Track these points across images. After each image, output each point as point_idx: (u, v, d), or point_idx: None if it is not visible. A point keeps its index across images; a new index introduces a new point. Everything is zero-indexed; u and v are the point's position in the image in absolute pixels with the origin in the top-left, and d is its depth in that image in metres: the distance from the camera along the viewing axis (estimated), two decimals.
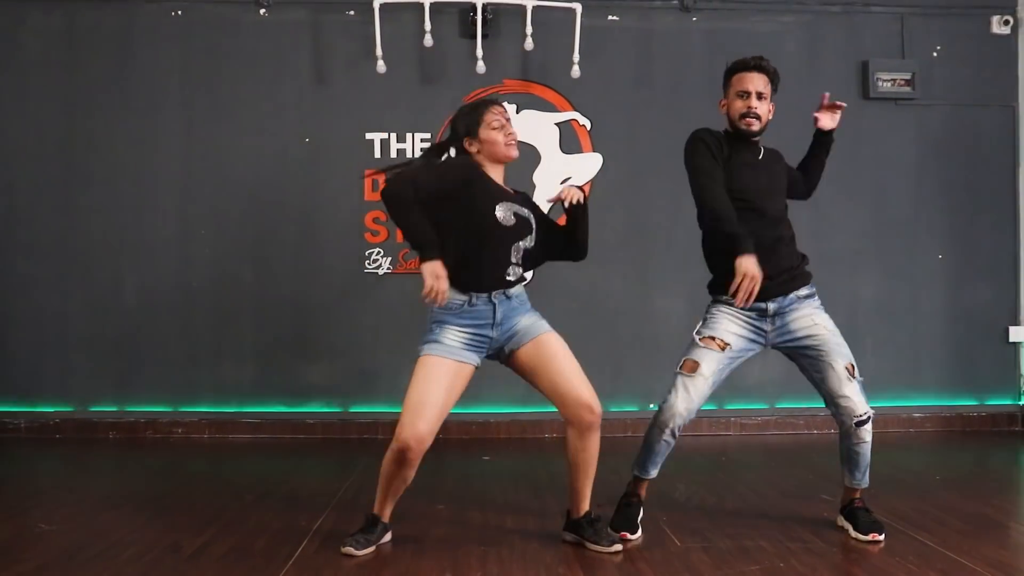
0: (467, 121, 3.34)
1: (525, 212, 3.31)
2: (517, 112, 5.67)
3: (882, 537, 3.35)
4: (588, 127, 5.70)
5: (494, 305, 3.22)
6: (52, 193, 5.62)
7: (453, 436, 5.47)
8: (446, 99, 5.64)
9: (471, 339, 3.22)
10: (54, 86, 5.63)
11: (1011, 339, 5.89)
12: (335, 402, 5.64)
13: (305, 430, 5.59)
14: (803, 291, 3.48)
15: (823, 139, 3.76)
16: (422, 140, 5.65)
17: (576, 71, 5.54)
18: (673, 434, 3.42)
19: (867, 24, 5.88)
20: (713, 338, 3.38)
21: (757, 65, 3.46)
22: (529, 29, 5.51)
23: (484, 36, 5.55)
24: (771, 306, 3.41)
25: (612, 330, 5.67)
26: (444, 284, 3.07)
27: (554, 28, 5.61)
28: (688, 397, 3.35)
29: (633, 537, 3.41)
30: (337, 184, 5.65)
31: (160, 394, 5.61)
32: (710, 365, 3.35)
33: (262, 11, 5.67)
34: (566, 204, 3.36)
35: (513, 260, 3.25)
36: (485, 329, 3.23)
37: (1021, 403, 5.89)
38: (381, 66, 5.49)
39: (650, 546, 3.31)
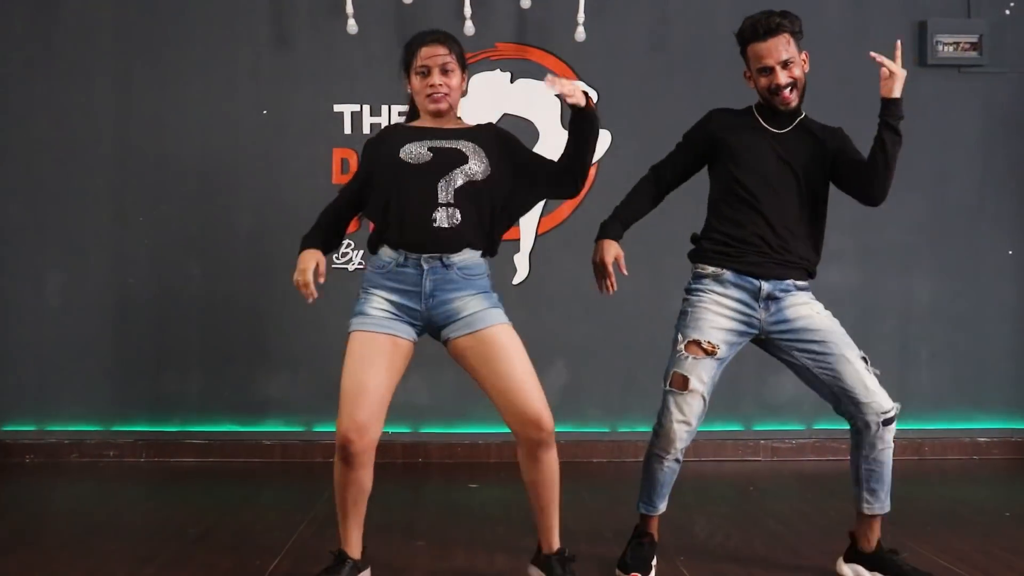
0: (402, 57, 3.37)
1: (455, 144, 3.21)
2: (511, 81, 5.66)
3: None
4: (595, 98, 5.68)
5: (423, 271, 3.17)
6: None
7: (435, 460, 5.46)
8: None
9: (399, 309, 3.20)
10: None
11: None
12: (296, 420, 5.64)
13: (261, 452, 5.58)
14: (801, 282, 3.47)
15: (881, 117, 3.47)
16: (400, 113, 5.64)
17: (580, 33, 5.53)
18: (676, 460, 3.44)
19: None
20: (698, 342, 3.37)
21: (769, 29, 3.42)
22: None
23: None
24: (765, 286, 3.40)
25: (623, 337, 5.66)
26: (307, 276, 3.16)
27: None
28: (683, 417, 3.36)
29: None
30: (300, 164, 5.64)
31: (88, 411, 5.60)
32: (701, 376, 3.35)
33: None
34: (568, 102, 3.22)
35: (442, 200, 3.15)
36: (412, 299, 3.18)
37: None
38: (352, 26, 5.48)
39: None
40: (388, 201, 3.21)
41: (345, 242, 5.60)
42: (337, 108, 5.67)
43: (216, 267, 5.64)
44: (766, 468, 5.55)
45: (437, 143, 3.22)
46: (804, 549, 3.78)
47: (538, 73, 5.69)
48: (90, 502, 4.68)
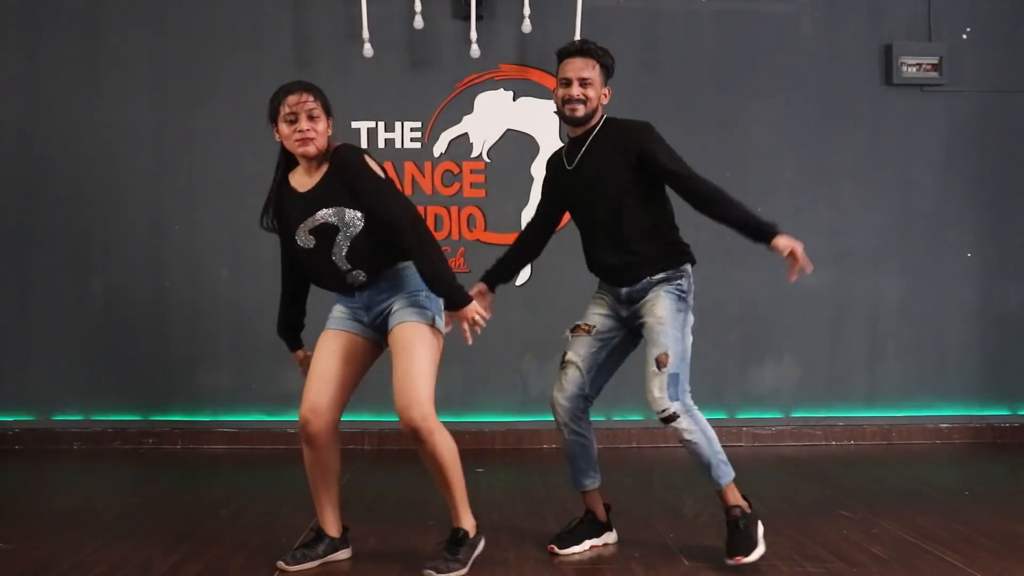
0: (270, 106, 3.32)
1: (320, 217, 3.19)
2: (514, 99, 5.67)
3: (748, 559, 3.26)
4: None
5: (354, 295, 3.28)
6: (11, 185, 5.61)
7: None
8: (438, 85, 5.66)
9: (354, 316, 3.32)
10: (14, 69, 5.62)
11: None
12: None
13: (286, 440, 5.57)
14: (658, 275, 3.42)
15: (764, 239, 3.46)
16: (412, 129, 5.64)
17: None
18: (572, 430, 3.51)
19: (891, 5, 5.87)
20: (579, 325, 3.54)
21: (578, 50, 3.50)
22: (527, 10, 5.51)
23: (479, 17, 5.54)
24: (624, 291, 3.46)
25: None
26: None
27: (554, 9, 5.61)
28: (562, 386, 3.50)
29: (562, 552, 3.44)
30: None
31: (129, 402, 5.60)
32: (578, 350, 3.50)
33: None
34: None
35: (343, 268, 3.20)
36: (359, 311, 3.30)
37: None
38: (368, 49, 5.49)
39: (656, 565, 3.30)
40: (305, 273, 3.38)
41: None
42: (355, 124, 5.67)
43: (244, 271, 5.64)
44: (748, 453, 5.55)
45: (311, 223, 3.21)
46: (782, 526, 3.77)
47: (538, 92, 5.71)
48: (132, 485, 4.70)
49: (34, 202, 5.61)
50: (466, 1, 5.54)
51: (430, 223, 5.58)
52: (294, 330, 3.50)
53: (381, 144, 5.64)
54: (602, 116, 3.53)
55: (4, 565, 3.29)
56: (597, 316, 3.53)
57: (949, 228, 5.88)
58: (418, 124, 5.67)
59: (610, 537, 3.60)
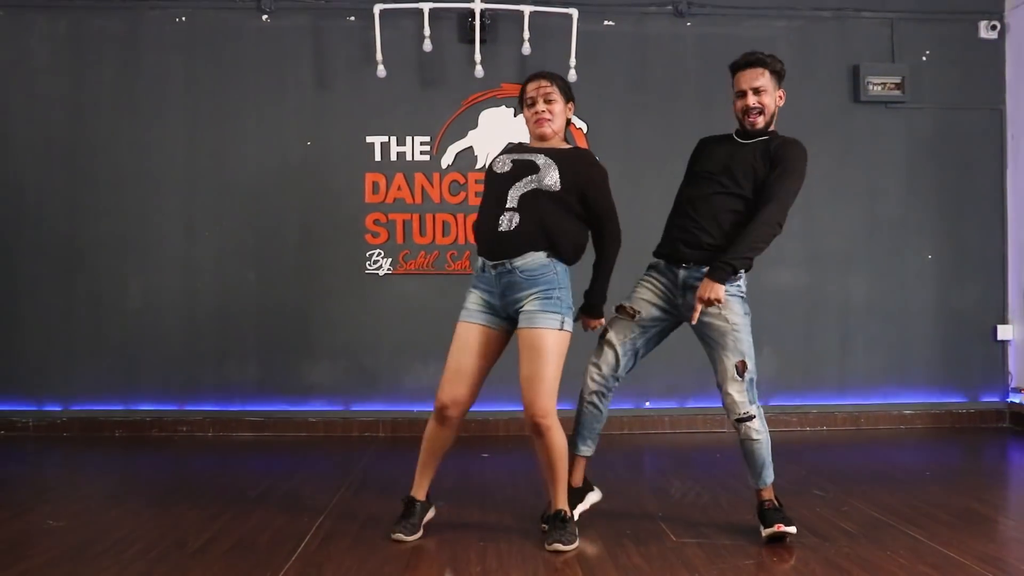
0: (519, 98, 3.41)
1: (532, 157, 3.24)
2: (515, 116, 5.68)
3: (788, 528, 3.28)
4: (584, 129, 5.71)
5: (492, 276, 3.25)
6: (59, 196, 5.62)
7: None
8: (445, 103, 5.67)
9: (488, 304, 3.30)
10: (61, 91, 5.64)
11: (999, 337, 5.90)
12: (336, 401, 5.64)
13: (307, 428, 5.60)
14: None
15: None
16: (422, 143, 5.66)
17: (572, 75, 5.54)
18: (592, 404, 3.50)
19: (858, 29, 5.89)
20: (624, 307, 3.48)
21: (748, 62, 3.46)
22: (527, 34, 5.53)
23: (482, 41, 5.56)
24: (682, 274, 3.41)
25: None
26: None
27: (551, 33, 5.62)
28: (599, 365, 3.48)
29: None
30: (339, 186, 5.66)
31: (165, 393, 5.61)
32: (619, 334, 3.46)
33: (264, 17, 5.68)
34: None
35: (508, 206, 3.20)
36: (493, 297, 3.29)
37: (1009, 400, 5.90)
38: (381, 71, 5.50)
39: (646, 541, 3.32)
40: (480, 216, 3.34)
41: (376, 251, 5.63)
42: (369, 139, 5.68)
43: (269, 273, 5.66)
44: (730, 438, 5.52)
45: (519, 156, 3.28)
46: None
47: None
48: (168, 469, 4.70)
49: (79, 212, 5.62)
50: (471, 26, 5.55)
51: (439, 230, 5.61)
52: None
53: (393, 157, 5.65)
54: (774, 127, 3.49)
55: (54, 541, 3.31)
56: (644, 303, 3.46)
57: (911, 232, 5.90)
58: (427, 138, 5.68)
59: (593, 496, 3.58)
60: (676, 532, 3.43)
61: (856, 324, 5.85)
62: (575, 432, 3.55)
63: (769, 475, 3.42)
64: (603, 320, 3.45)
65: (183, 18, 5.66)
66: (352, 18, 5.67)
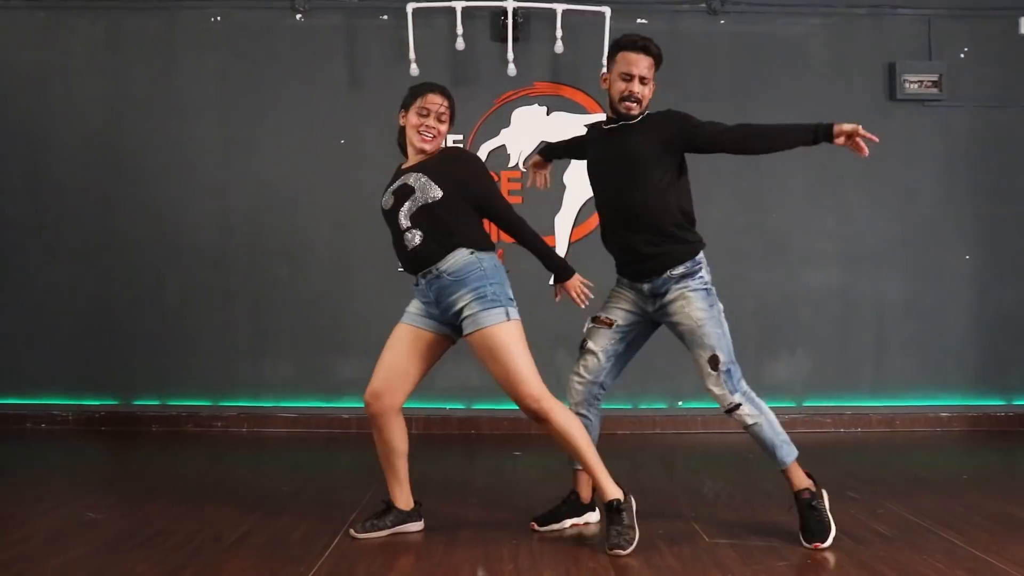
0: (408, 95, 3.37)
1: (406, 180, 3.24)
2: (548, 114, 5.68)
3: (825, 544, 3.22)
4: None
5: (423, 284, 3.29)
6: (97, 193, 5.70)
7: (485, 432, 5.49)
8: (478, 101, 5.68)
9: (427, 311, 3.34)
10: (99, 91, 5.72)
11: None
12: None
13: (340, 424, 5.63)
14: (678, 269, 3.33)
15: (822, 139, 3.25)
16: (454, 142, 5.66)
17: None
18: (581, 413, 3.45)
19: (894, 26, 5.83)
20: (599, 317, 3.48)
21: (643, 47, 3.36)
22: (559, 32, 5.52)
23: (515, 39, 5.56)
24: (646, 287, 3.39)
25: None
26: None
27: (584, 31, 5.61)
28: (580, 374, 3.46)
29: (542, 528, 3.45)
30: (372, 184, 5.62)
31: (201, 389, 5.68)
32: (599, 342, 3.45)
33: (298, 16, 5.72)
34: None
35: (404, 227, 3.23)
36: (430, 305, 3.31)
37: None
38: (414, 69, 5.52)
39: (679, 541, 3.31)
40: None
41: None
42: None
43: (303, 270, 5.70)
44: None
45: (396, 183, 3.29)
46: (794, 506, 3.77)
47: (570, 107, 5.72)
48: (203, 464, 4.75)
49: (117, 208, 5.70)
50: (503, 24, 5.56)
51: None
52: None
53: None
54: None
55: (93, 533, 3.36)
56: (618, 311, 3.46)
57: (949, 232, 5.83)
58: (460, 137, 5.69)
59: (592, 517, 3.56)
60: (709, 533, 3.42)
61: (892, 325, 5.80)
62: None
63: (787, 453, 3.34)
64: (578, 277, 3.40)
65: (218, 18, 5.72)
66: (385, 17, 5.70)
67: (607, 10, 5.52)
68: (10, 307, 5.70)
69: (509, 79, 5.61)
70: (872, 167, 5.72)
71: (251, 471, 4.55)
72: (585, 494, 3.56)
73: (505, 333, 3.16)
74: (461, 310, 3.20)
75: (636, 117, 3.38)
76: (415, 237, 3.22)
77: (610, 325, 3.45)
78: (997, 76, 5.84)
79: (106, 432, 5.54)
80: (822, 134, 3.20)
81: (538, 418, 3.19)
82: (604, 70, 3.48)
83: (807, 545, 3.23)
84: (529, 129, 5.68)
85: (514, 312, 3.22)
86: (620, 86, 3.35)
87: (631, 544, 3.14)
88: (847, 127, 3.16)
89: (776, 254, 5.74)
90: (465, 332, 3.22)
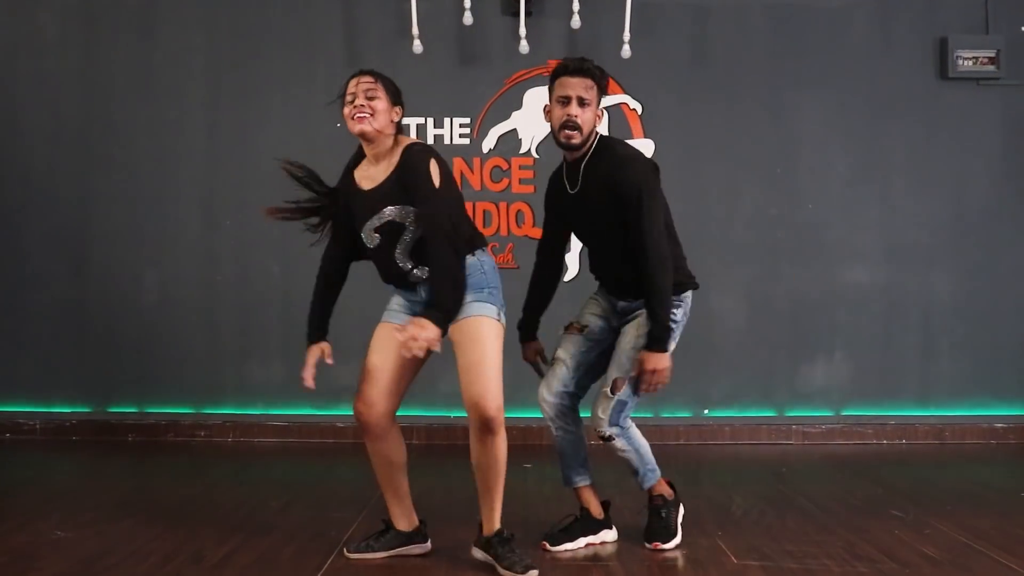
0: (340, 94, 3.34)
1: (387, 215, 3.19)
2: None
3: (666, 546, 3.43)
4: (639, 111, 5.68)
5: (417, 288, 3.30)
6: (69, 181, 5.72)
7: None
8: (487, 81, 5.67)
9: (412, 308, 3.32)
10: (72, 68, 5.73)
11: None
12: None
13: (335, 434, 5.64)
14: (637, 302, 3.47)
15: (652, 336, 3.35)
16: (461, 125, 5.66)
17: (627, 51, 5.52)
18: (559, 425, 3.54)
19: None
20: (572, 323, 3.58)
21: (580, 68, 3.35)
22: (576, 6, 5.51)
23: (528, 13, 5.55)
24: (620, 304, 3.52)
25: None
26: (307, 373, 3.43)
27: (603, 4, 5.60)
28: (548, 383, 3.54)
29: (553, 549, 3.45)
30: None
31: (182, 395, 5.69)
32: (567, 348, 3.53)
33: None
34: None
35: (404, 267, 3.24)
36: (418, 306, 3.30)
37: None
38: (417, 46, 5.51)
39: (705, 563, 3.29)
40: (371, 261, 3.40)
41: None
42: (404, 121, 5.68)
43: (295, 265, 5.69)
44: (797, 451, 5.52)
45: (376, 221, 3.23)
46: (833, 525, 3.75)
47: None
48: (184, 477, 4.75)
49: (91, 198, 5.71)
50: None
51: (479, 219, 5.61)
52: (323, 320, 3.53)
53: (430, 139, 5.67)
54: (595, 137, 3.42)
55: (62, 553, 3.35)
56: (591, 316, 3.57)
57: (1005, 223, 5.80)
58: (467, 120, 5.69)
59: (609, 535, 3.57)
60: (737, 553, 3.40)
61: (940, 326, 5.76)
62: (563, 465, 3.60)
63: (650, 478, 3.56)
64: (436, 338, 3.10)
65: None
66: None
67: None
68: None
69: (521, 57, 5.60)
70: (920, 152, 5.72)
71: (237, 485, 4.55)
72: (596, 510, 3.58)
73: (490, 328, 3.18)
74: None
75: (579, 147, 3.37)
76: (422, 274, 3.24)
77: (581, 331, 3.54)
78: None
79: (77, 442, 5.56)
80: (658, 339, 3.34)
81: (487, 427, 3.15)
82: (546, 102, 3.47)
83: (648, 545, 3.44)
84: (543, 112, 5.65)
85: (503, 318, 3.24)
86: (556, 113, 3.37)
87: (527, 571, 3.13)
88: (647, 368, 3.37)
89: (812, 248, 5.71)
90: (458, 318, 3.19)
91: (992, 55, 5.72)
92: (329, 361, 3.41)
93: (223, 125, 5.73)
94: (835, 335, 5.74)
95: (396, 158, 3.25)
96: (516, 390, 4.98)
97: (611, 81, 5.63)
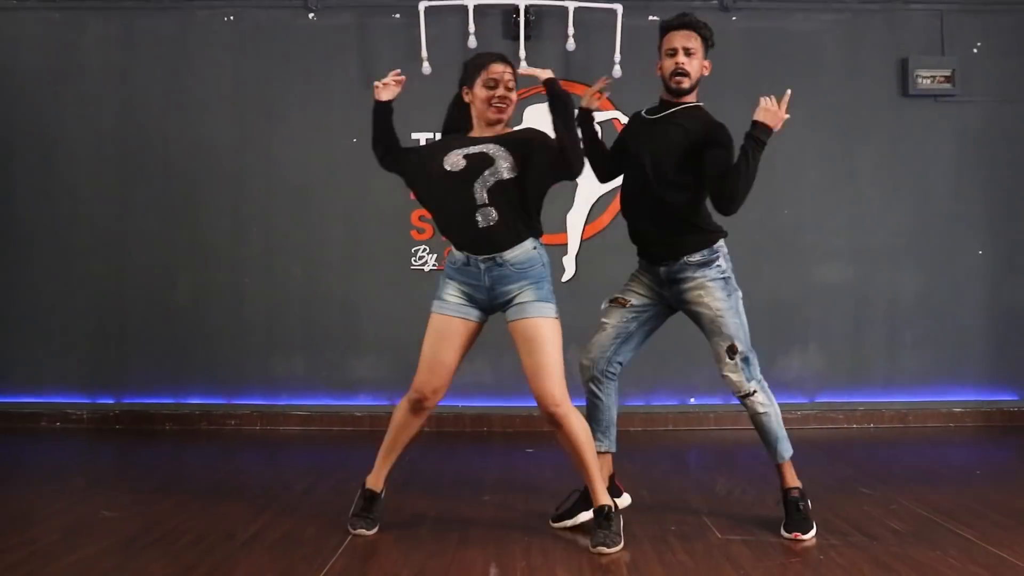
0: (469, 69, 3.34)
1: (483, 148, 3.18)
2: None
3: (805, 536, 3.29)
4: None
5: (481, 270, 3.21)
6: (110, 194, 5.72)
7: (497, 429, 5.48)
8: None
9: (469, 297, 3.27)
10: (113, 90, 5.73)
11: None
12: (382, 395, 5.67)
13: (353, 422, 5.63)
14: (695, 257, 3.36)
15: (750, 133, 3.38)
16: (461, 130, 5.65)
17: (617, 70, 5.53)
18: (590, 390, 3.47)
19: (906, 21, 5.79)
20: (616, 298, 3.50)
21: (682, 23, 3.41)
22: (571, 30, 5.51)
23: (527, 37, 5.55)
24: (662, 270, 3.40)
25: None
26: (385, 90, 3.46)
27: (596, 29, 5.60)
28: (588, 348, 3.48)
29: (556, 525, 3.44)
30: (384, 183, 5.62)
31: (213, 387, 5.69)
32: (611, 319, 3.47)
33: (311, 15, 5.72)
34: (540, 79, 3.26)
35: (480, 202, 3.15)
36: (478, 291, 3.25)
37: None
38: (426, 67, 5.51)
39: (691, 538, 3.30)
40: (441, 214, 3.33)
41: (422, 247, 5.65)
42: (414, 136, 5.68)
43: (315, 268, 5.71)
44: None
45: (468, 150, 3.20)
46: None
47: None
48: (216, 462, 4.75)
49: (131, 207, 5.71)
50: (515, 22, 5.55)
51: None
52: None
53: None
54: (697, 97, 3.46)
55: (109, 531, 3.37)
56: (634, 293, 3.49)
57: (962, 227, 5.79)
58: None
59: (622, 501, 3.54)
60: (722, 529, 3.40)
61: (905, 320, 5.76)
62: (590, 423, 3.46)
63: (786, 449, 3.42)
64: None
65: (231, 17, 5.73)
66: (397, 15, 5.69)
67: (619, 7, 5.50)
68: (25, 306, 5.72)
69: (521, 77, 5.56)
70: (885, 162, 5.73)
71: (264, 469, 4.56)
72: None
73: (550, 328, 3.18)
74: (514, 298, 3.20)
75: (688, 91, 3.40)
76: (491, 215, 3.15)
77: (624, 305, 3.47)
78: (1010, 71, 5.80)
79: (120, 430, 5.56)
80: (758, 132, 3.34)
81: (554, 420, 3.19)
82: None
83: (787, 535, 3.29)
84: (541, 127, 5.63)
85: (558, 313, 3.24)
86: (667, 64, 3.40)
87: (616, 546, 3.13)
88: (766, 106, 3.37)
89: (789, 249, 5.71)
90: (512, 318, 3.20)
91: (948, 74, 5.71)
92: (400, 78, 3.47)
93: (249, 141, 5.72)
94: (809, 329, 5.74)
95: (512, 130, 3.34)
96: (519, 379, 5.02)
97: (604, 98, 5.65)
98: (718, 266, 3.37)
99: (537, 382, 3.17)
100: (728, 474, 4.35)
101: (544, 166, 3.20)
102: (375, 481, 3.43)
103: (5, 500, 3.87)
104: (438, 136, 5.54)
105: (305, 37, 5.73)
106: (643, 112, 3.54)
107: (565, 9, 5.51)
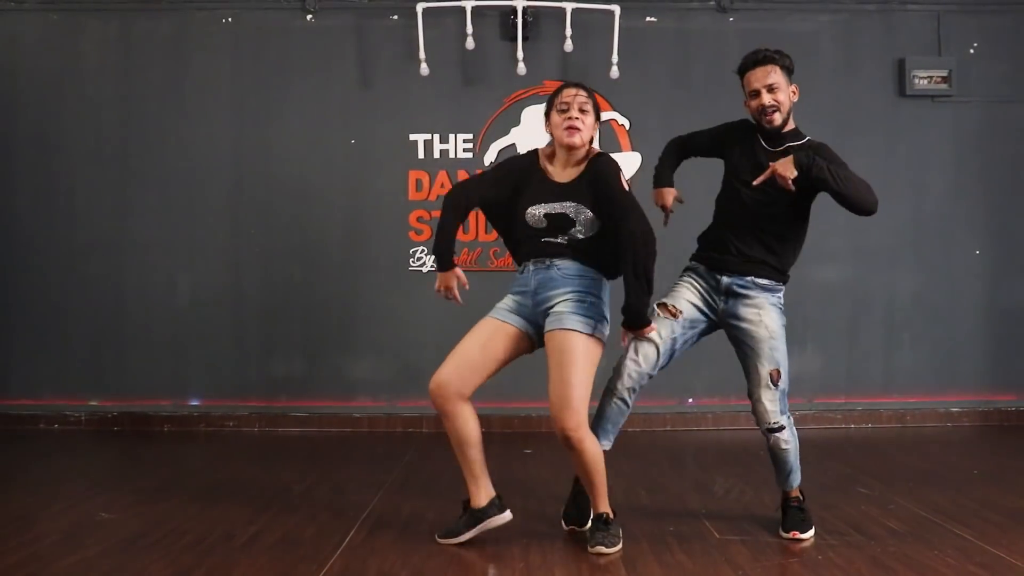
0: (547, 103, 3.30)
1: (565, 209, 3.15)
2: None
3: (804, 535, 3.31)
4: (627, 127, 5.69)
5: (530, 272, 3.22)
6: (109, 195, 5.72)
7: (496, 430, 5.48)
8: (488, 100, 5.68)
9: (517, 303, 3.26)
10: (111, 93, 5.73)
11: None
12: (381, 397, 5.68)
13: (352, 424, 5.64)
14: (763, 280, 3.35)
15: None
16: (464, 141, 5.67)
17: (615, 72, 5.54)
18: (623, 400, 3.35)
19: (903, 22, 5.81)
20: (666, 305, 3.38)
21: (756, 60, 3.37)
22: (569, 31, 5.52)
23: (525, 38, 5.56)
24: (724, 280, 3.36)
25: None
26: (453, 293, 3.31)
27: (593, 30, 5.61)
28: (637, 360, 3.32)
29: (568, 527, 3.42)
30: (382, 184, 5.69)
31: (213, 389, 5.69)
32: (662, 332, 3.32)
33: (309, 17, 5.73)
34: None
35: (556, 246, 3.17)
36: (525, 297, 3.24)
37: None
38: (424, 69, 5.52)
39: (689, 538, 3.30)
40: (512, 239, 3.36)
41: (420, 248, 5.65)
42: (412, 137, 5.71)
43: (314, 270, 5.71)
44: None
45: (551, 208, 3.17)
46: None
47: None
48: (215, 463, 4.75)
49: (129, 210, 5.71)
50: (513, 24, 5.56)
51: (481, 227, 5.62)
52: (452, 246, 3.35)
53: (436, 154, 5.67)
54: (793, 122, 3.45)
55: (107, 532, 3.37)
56: (686, 303, 3.38)
57: (959, 227, 5.81)
58: (470, 136, 5.69)
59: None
60: (720, 530, 3.41)
61: (902, 320, 5.78)
62: (601, 427, 3.38)
63: (796, 478, 3.42)
64: (645, 332, 3.25)
65: (229, 19, 5.73)
66: (395, 17, 5.70)
67: (616, 8, 5.51)
68: (23, 309, 5.72)
69: (519, 78, 5.60)
70: (882, 163, 5.74)
71: (263, 471, 4.55)
72: None
73: (584, 345, 3.09)
74: (554, 305, 3.15)
75: (783, 125, 3.38)
76: (564, 240, 3.19)
77: (676, 316, 3.36)
78: (1007, 72, 5.81)
79: (119, 432, 5.57)
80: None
81: (569, 444, 3.08)
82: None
83: (785, 534, 3.30)
84: (539, 128, 5.65)
85: (602, 332, 3.17)
86: (753, 104, 3.38)
87: (614, 547, 3.13)
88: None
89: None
90: (548, 327, 3.15)
91: (945, 75, 5.73)
92: (466, 286, 3.36)
93: (247, 142, 5.72)
94: (807, 329, 5.75)
95: (584, 165, 3.23)
96: (517, 381, 5.04)
97: (601, 98, 5.67)
98: (780, 297, 3.38)
99: (558, 402, 3.05)
100: (726, 475, 4.36)
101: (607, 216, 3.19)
102: (469, 494, 3.28)
103: (5, 502, 3.87)
104: (436, 137, 5.62)
105: (303, 38, 5.73)
106: (761, 139, 3.44)
107: (563, 10, 5.52)
